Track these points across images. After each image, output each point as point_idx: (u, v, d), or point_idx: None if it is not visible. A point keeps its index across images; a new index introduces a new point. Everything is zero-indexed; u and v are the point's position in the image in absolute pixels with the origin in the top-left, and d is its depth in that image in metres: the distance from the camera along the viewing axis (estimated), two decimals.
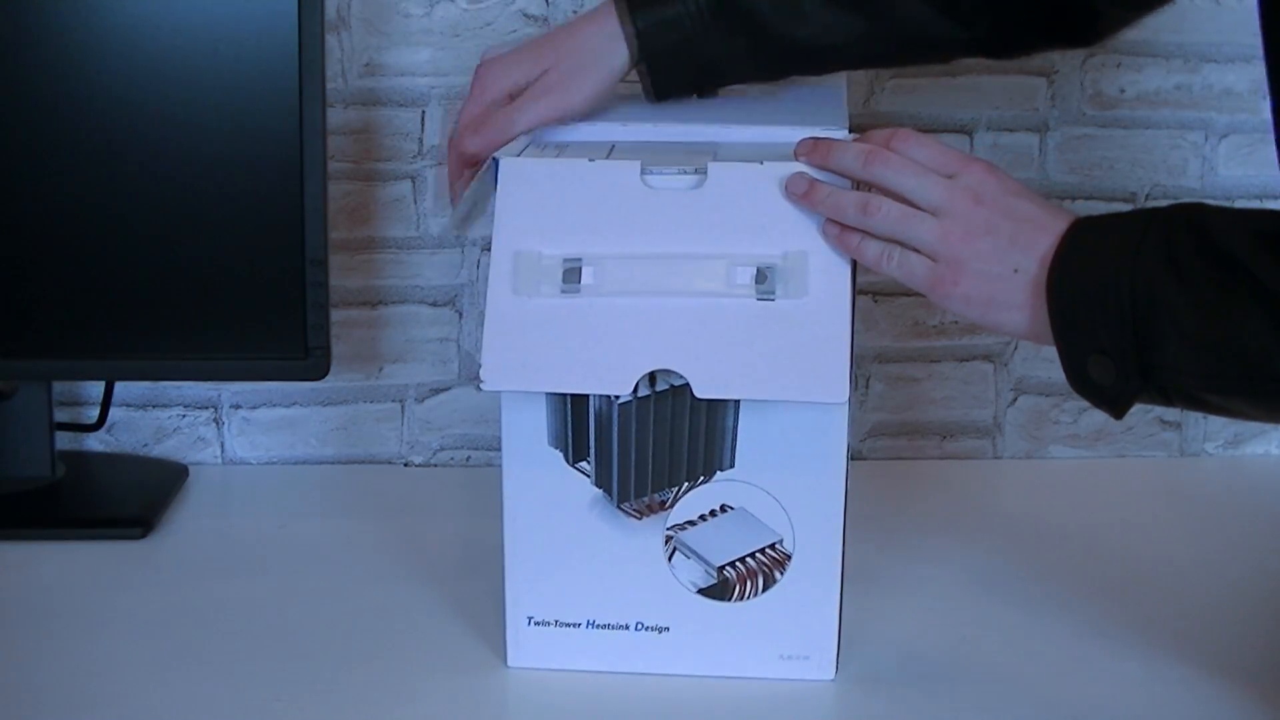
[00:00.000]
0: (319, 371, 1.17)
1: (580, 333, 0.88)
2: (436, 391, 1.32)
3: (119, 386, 1.29)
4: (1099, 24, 1.01)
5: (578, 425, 0.92)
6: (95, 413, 1.29)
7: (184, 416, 1.31)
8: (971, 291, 0.85)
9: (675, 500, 0.93)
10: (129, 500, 1.20)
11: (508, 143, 0.96)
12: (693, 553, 0.93)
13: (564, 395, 0.91)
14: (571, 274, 0.88)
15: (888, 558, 1.11)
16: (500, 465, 0.93)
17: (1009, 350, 1.32)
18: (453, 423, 1.32)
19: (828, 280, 0.88)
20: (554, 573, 0.94)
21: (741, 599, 0.94)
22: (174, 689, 0.94)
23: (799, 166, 0.89)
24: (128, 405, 1.31)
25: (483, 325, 0.88)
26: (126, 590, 1.07)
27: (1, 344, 1.17)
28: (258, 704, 0.92)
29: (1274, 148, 0.87)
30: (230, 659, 0.97)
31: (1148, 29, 1.12)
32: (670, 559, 0.93)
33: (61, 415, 1.28)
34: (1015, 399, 1.33)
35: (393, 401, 1.32)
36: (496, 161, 0.91)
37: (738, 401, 0.90)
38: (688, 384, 0.88)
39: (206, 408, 1.31)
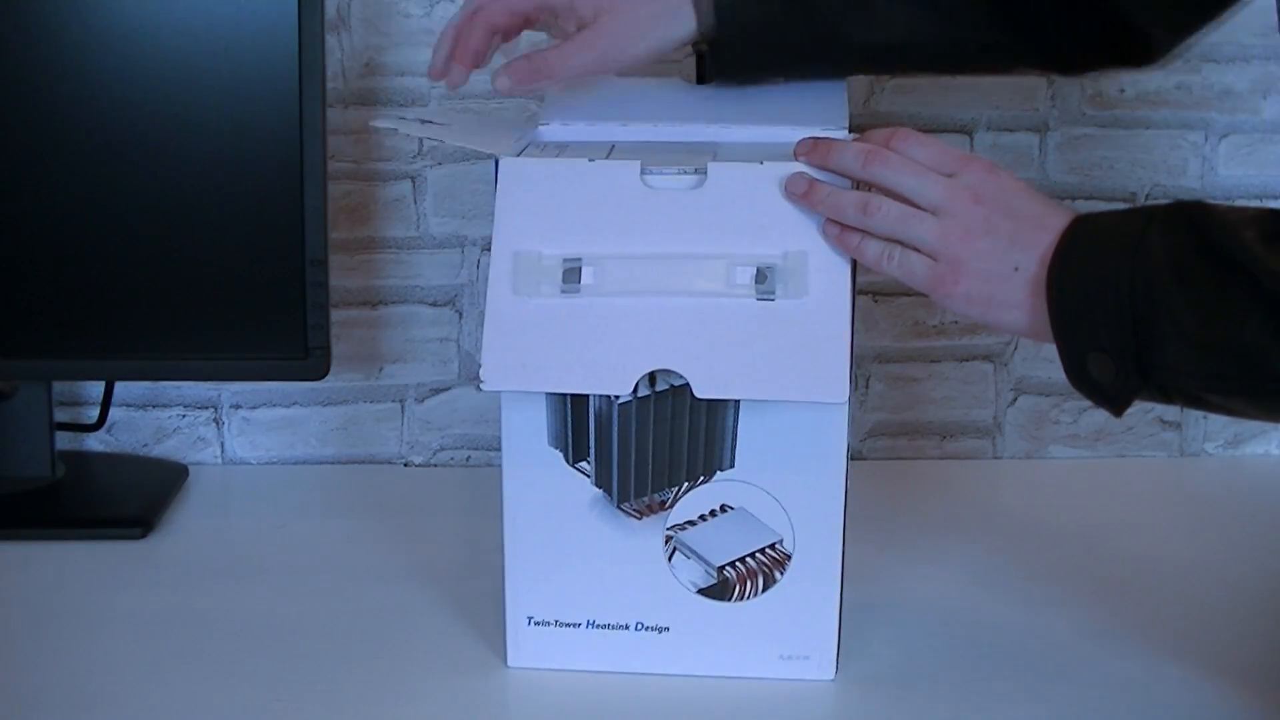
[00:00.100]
0: (319, 371, 1.17)
1: (580, 333, 0.88)
2: (436, 391, 1.32)
3: (119, 386, 1.29)
4: (1151, 45, 0.99)
5: (578, 425, 0.92)
6: (95, 413, 1.29)
7: (184, 416, 1.31)
8: (972, 290, 0.85)
9: (675, 500, 0.93)
10: (129, 500, 1.20)
11: (548, 81, 0.96)
12: (693, 553, 0.93)
13: (564, 395, 0.91)
14: (571, 274, 0.88)
15: (888, 558, 1.11)
16: (500, 465, 0.93)
17: (1009, 350, 1.32)
18: (453, 423, 1.32)
19: (828, 280, 0.88)
20: (554, 573, 0.94)
21: (741, 599, 0.94)
22: (174, 689, 0.94)
23: (799, 166, 0.89)
24: (128, 405, 1.31)
25: (483, 325, 0.88)
26: (126, 590, 1.07)
27: (1, 344, 1.18)
28: (258, 704, 0.92)
29: (1274, 147, 0.88)
30: (230, 659, 0.97)
31: None
32: (670, 559, 0.93)
33: (61, 415, 1.28)
34: (1015, 399, 1.33)
35: (393, 401, 1.32)
36: (497, 162, 0.91)
37: (738, 401, 0.90)
38: (688, 384, 0.88)
39: (206, 408, 1.31)
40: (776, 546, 0.93)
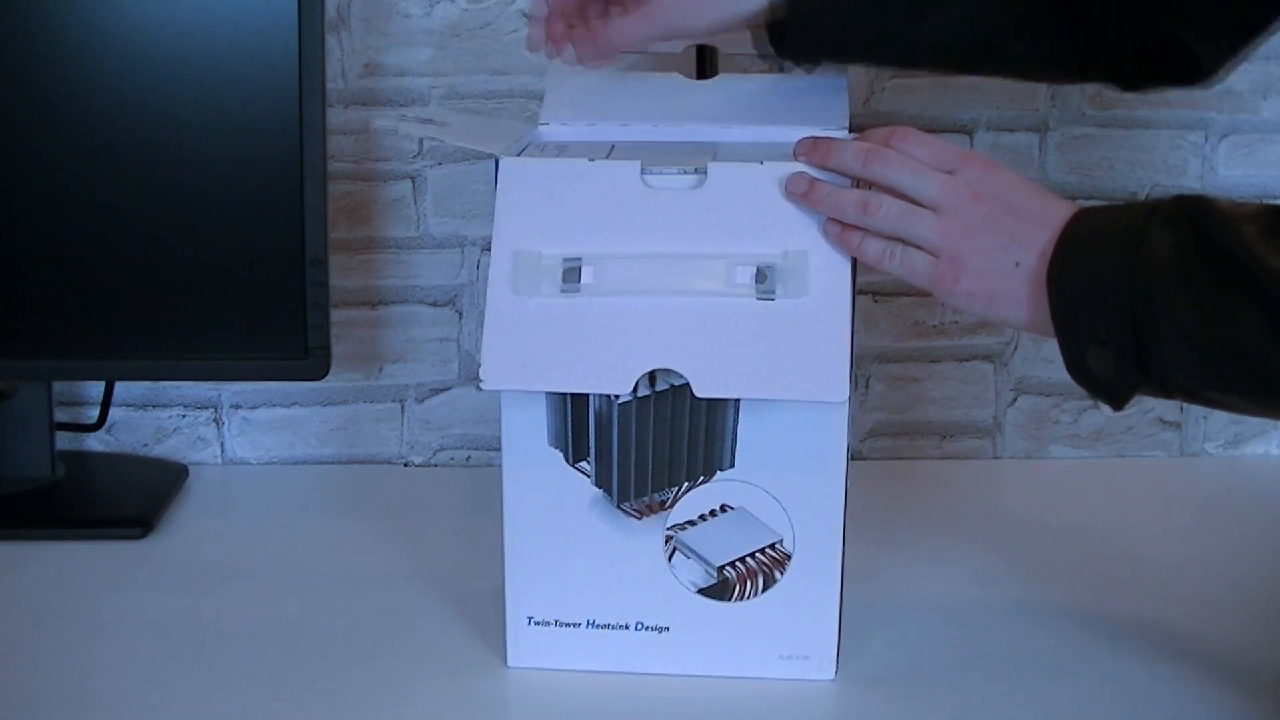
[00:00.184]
0: (319, 371, 1.17)
1: (580, 332, 0.88)
2: (436, 391, 1.32)
3: (119, 386, 1.29)
4: (1202, 65, 0.98)
5: (578, 425, 0.92)
6: (95, 413, 1.29)
7: (184, 416, 1.31)
8: (973, 287, 0.85)
9: (675, 500, 0.93)
10: (129, 500, 1.20)
11: (611, 56, 0.97)
12: (693, 553, 0.93)
13: (564, 395, 0.91)
14: (571, 273, 0.88)
15: (888, 558, 1.11)
16: (500, 465, 0.93)
17: (1009, 350, 1.32)
18: (453, 423, 1.32)
19: (828, 279, 0.88)
20: (554, 573, 0.94)
21: (741, 599, 0.94)
22: (174, 689, 0.94)
23: (799, 166, 0.89)
24: (128, 405, 1.31)
25: (482, 325, 0.88)
26: (126, 590, 1.07)
27: (1, 344, 1.18)
28: (258, 704, 0.92)
29: (1274, 147, 0.88)
30: (230, 659, 0.97)
31: None
32: (670, 559, 0.93)
33: (61, 415, 1.28)
34: (1015, 399, 1.33)
35: (393, 401, 1.32)
36: (497, 161, 0.91)
37: (738, 401, 0.90)
38: (688, 383, 0.88)
39: (206, 408, 1.31)
40: (776, 546, 0.93)
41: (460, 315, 1.31)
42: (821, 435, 0.90)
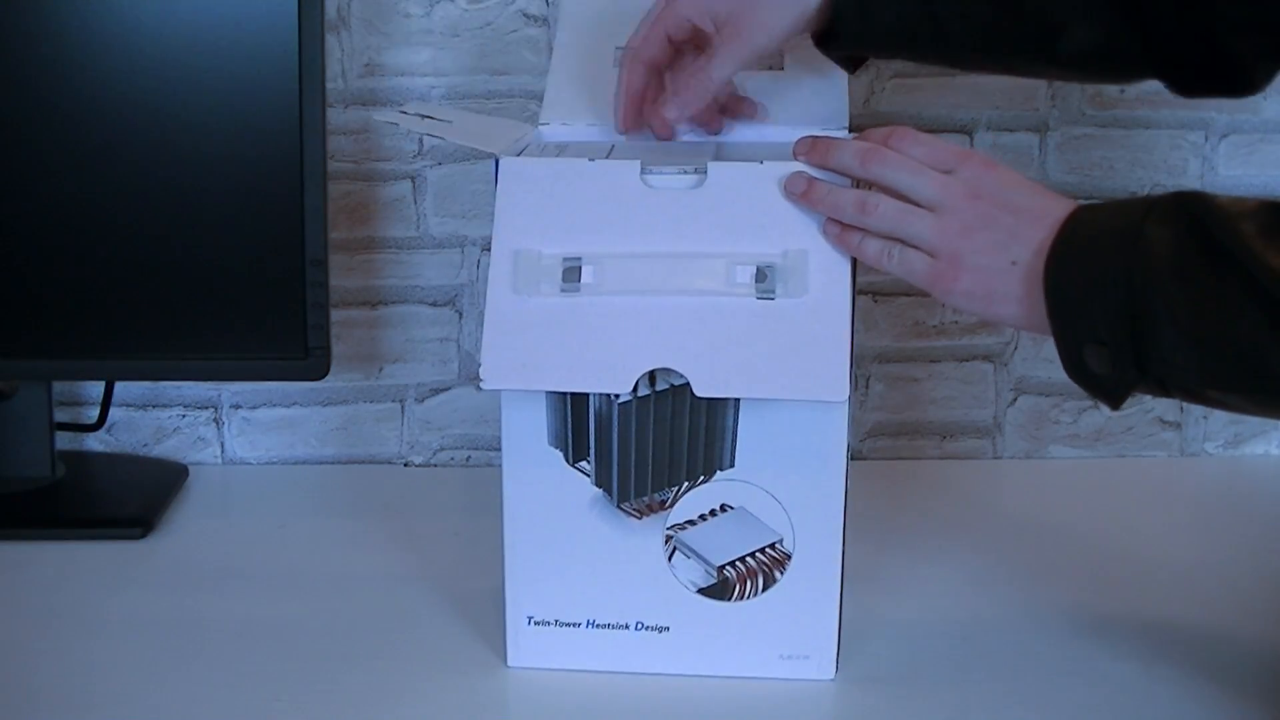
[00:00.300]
0: (319, 371, 1.17)
1: (580, 332, 0.88)
2: (436, 391, 1.32)
3: (119, 386, 1.29)
4: (1254, 77, 0.97)
5: (578, 425, 0.92)
6: (95, 413, 1.29)
7: (184, 416, 1.31)
8: (971, 286, 0.85)
9: (675, 500, 0.93)
10: (129, 500, 1.20)
11: (707, 101, 0.96)
12: (693, 552, 0.93)
13: (564, 395, 0.91)
14: (571, 273, 0.88)
15: (888, 558, 1.11)
16: (500, 465, 0.93)
17: (1009, 350, 1.32)
18: (453, 423, 1.32)
19: (828, 279, 0.88)
20: (554, 573, 0.94)
21: (741, 599, 0.94)
22: (174, 689, 0.94)
23: (799, 166, 0.89)
24: (128, 405, 1.31)
25: (482, 325, 0.88)
26: (126, 590, 1.07)
27: (1, 344, 1.18)
28: (258, 704, 0.92)
29: (1274, 147, 0.87)
30: (230, 659, 0.97)
31: None
32: (670, 559, 0.93)
33: (61, 415, 1.28)
34: (1015, 399, 1.33)
35: (393, 401, 1.32)
36: (497, 161, 0.91)
37: (737, 401, 0.90)
38: (688, 383, 0.88)
39: (206, 408, 1.31)
40: (776, 546, 0.93)
41: (460, 315, 1.31)
42: (821, 435, 0.90)
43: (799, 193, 0.88)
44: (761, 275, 0.88)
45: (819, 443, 0.90)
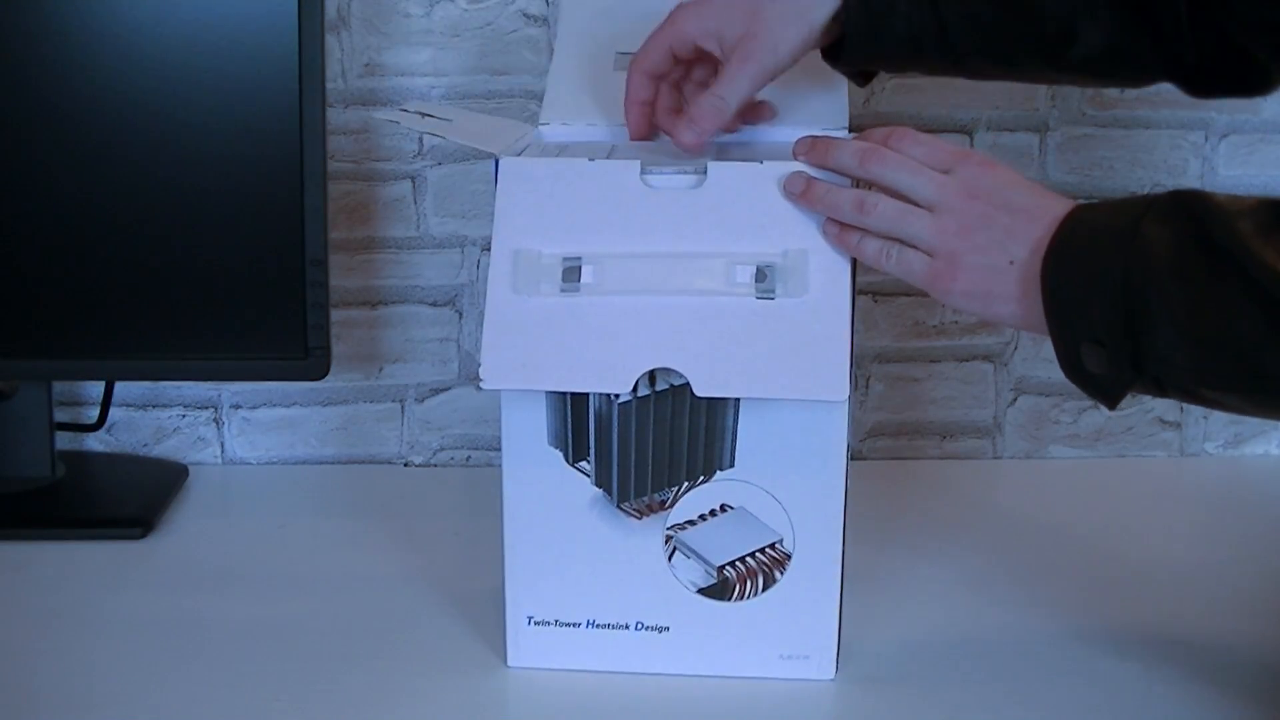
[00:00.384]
0: (319, 371, 1.17)
1: (580, 332, 0.88)
2: (436, 391, 1.32)
3: (119, 386, 1.29)
4: (1269, 75, 0.96)
5: (578, 425, 0.92)
6: (95, 413, 1.29)
7: (184, 416, 1.31)
8: (969, 286, 0.85)
9: (675, 500, 0.93)
10: (129, 500, 1.20)
11: (724, 124, 0.94)
12: (693, 552, 0.93)
13: (564, 394, 0.91)
14: (571, 273, 0.88)
15: (888, 558, 1.11)
16: (500, 465, 0.93)
17: (1009, 350, 1.32)
18: (453, 423, 1.32)
19: (827, 279, 0.88)
20: (554, 573, 0.94)
21: (741, 599, 0.94)
22: (174, 689, 0.94)
23: (798, 166, 0.89)
24: (128, 405, 1.31)
25: (482, 325, 0.88)
26: (126, 590, 1.07)
27: (1, 344, 1.18)
28: (258, 704, 0.92)
29: (1274, 147, 0.87)
30: (230, 659, 0.97)
31: None
32: (670, 559, 0.93)
33: (61, 415, 1.28)
34: (1015, 399, 1.33)
35: (393, 401, 1.32)
36: (497, 161, 0.91)
37: (737, 401, 0.90)
38: (687, 383, 0.88)
39: (206, 408, 1.31)
40: (776, 546, 0.93)
41: (460, 315, 1.31)
42: (821, 435, 0.90)
43: (798, 192, 0.88)
44: (761, 275, 0.88)
45: (819, 443, 0.90)
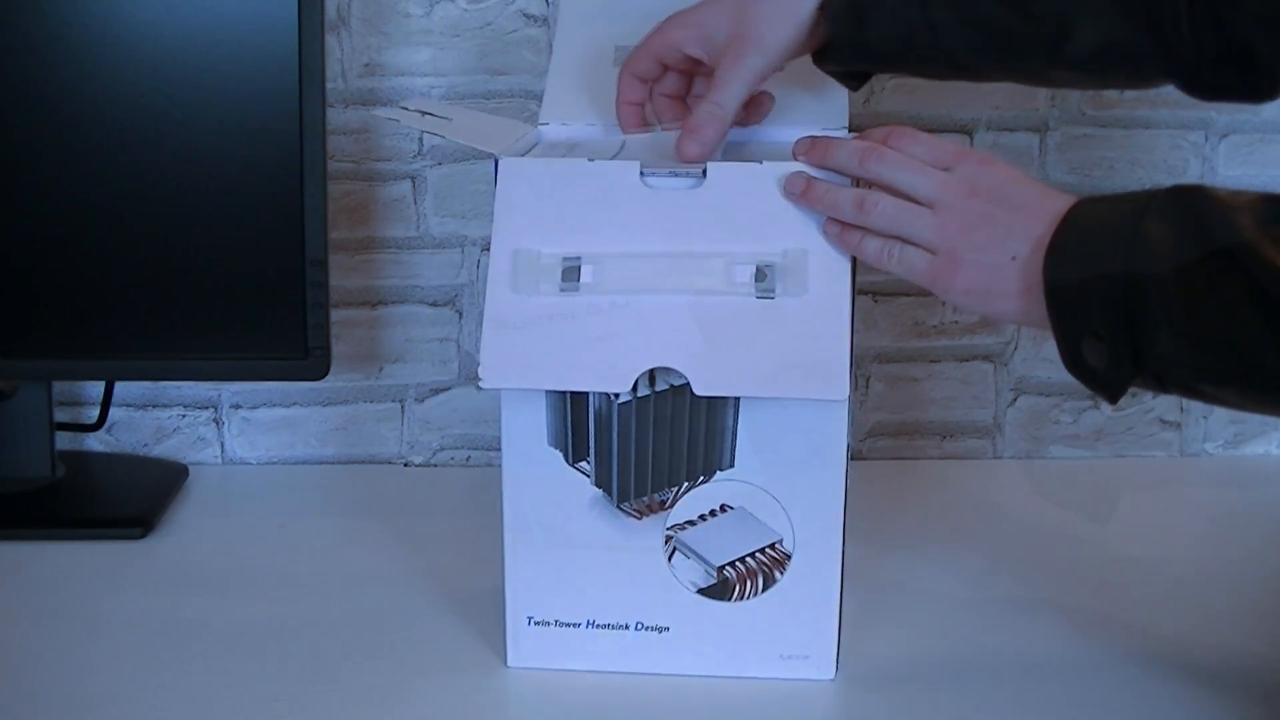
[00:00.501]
0: (319, 371, 1.17)
1: (579, 331, 0.88)
2: (436, 391, 1.32)
3: (119, 386, 1.29)
4: (1276, 76, 0.94)
5: (578, 425, 0.92)
6: (95, 413, 1.29)
7: (184, 416, 1.31)
8: (970, 283, 0.85)
9: (675, 500, 0.93)
10: (129, 500, 1.20)
11: (725, 131, 0.93)
12: (693, 553, 0.93)
13: (564, 395, 0.91)
14: (570, 272, 0.88)
15: (888, 558, 1.11)
16: (500, 465, 0.93)
17: (1009, 350, 1.32)
18: (453, 423, 1.32)
19: (827, 278, 0.88)
20: (554, 573, 0.94)
21: (741, 599, 0.94)
22: (174, 689, 0.94)
23: (798, 166, 0.89)
24: (128, 405, 1.31)
25: (482, 324, 0.88)
26: (126, 590, 1.07)
27: (1, 344, 1.18)
28: (258, 704, 0.92)
29: (1274, 147, 0.86)
30: (230, 659, 0.97)
31: None
32: (670, 559, 0.93)
33: (61, 415, 1.28)
34: (1015, 399, 1.33)
35: (393, 401, 1.32)
36: (497, 161, 0.91)
37: (737, 400, 0.90)
38: (687, 383, 0.88)
39: (206, 408, 1.31)
40: (776, 546, 0.93)
41: (460, 315, 1.31)
42: (821, 434, 0.90)
43: (798, 192, 0.88)
44: (761, 274, 0.88)
45: (819, 443, 0.90)
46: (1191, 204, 0.80)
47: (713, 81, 0.94)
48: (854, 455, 0.95)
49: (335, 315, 1.24)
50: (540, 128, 1.01)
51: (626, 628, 0.95)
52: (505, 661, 0.96)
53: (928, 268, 0.86)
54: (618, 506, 0.93)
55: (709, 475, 0.92)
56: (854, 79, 1.00)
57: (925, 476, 1.30)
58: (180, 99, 1.14)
